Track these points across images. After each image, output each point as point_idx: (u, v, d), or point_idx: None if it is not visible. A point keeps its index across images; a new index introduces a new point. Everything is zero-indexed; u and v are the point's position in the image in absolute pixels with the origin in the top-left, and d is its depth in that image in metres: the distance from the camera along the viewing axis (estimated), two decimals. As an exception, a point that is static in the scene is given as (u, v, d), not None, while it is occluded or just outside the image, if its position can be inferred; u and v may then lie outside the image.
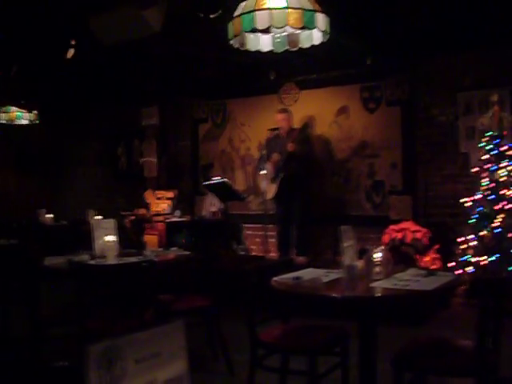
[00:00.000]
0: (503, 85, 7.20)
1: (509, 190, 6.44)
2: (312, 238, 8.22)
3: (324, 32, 3.75)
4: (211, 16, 5.62)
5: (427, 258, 6.94)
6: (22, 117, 8.88)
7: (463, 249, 6.56)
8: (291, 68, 8.40)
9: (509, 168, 6.51)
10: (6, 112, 8.80)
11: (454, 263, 6.58)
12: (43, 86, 9.35)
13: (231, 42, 3.87)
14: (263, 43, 4.00)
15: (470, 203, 6.67)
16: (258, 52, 4.05)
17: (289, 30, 3.82)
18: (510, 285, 3.35)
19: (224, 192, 7.96)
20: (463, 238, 6.62)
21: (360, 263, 3.34)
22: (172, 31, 6.32)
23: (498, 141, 6.61)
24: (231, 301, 4.91)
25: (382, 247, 3.31)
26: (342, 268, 3.22)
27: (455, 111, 7.65)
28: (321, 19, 3.65)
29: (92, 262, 4.34)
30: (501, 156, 6.56)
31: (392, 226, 7.29)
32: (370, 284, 3.10)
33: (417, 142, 7.93)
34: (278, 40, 3.97)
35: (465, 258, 6.49)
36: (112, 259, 4.38)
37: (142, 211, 9.28)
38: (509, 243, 6.25)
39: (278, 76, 8.87)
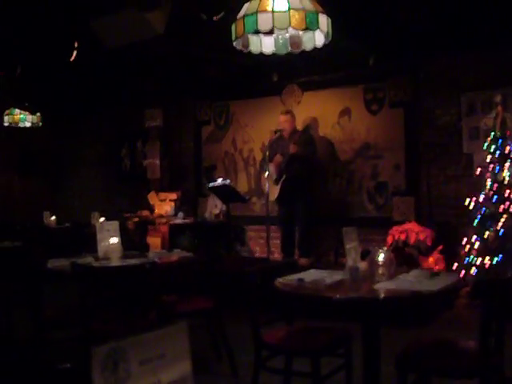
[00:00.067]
0: (506, 85, 7.19)
1: (512, 190, 6.43)
2: (315, 239, 8.21)
3: (326, 34, 3.75)
4: (214, 18, 5.63)
5: (431, 259, 6.94)
6: (25, 119, 8.90)
7: (467, 250, 6.55)
8: (294, 70, 8.41)
9: (512, 169, 6.51)
10: (10, 114, 8.83)
11: (457, 264, 6.58)
12: (47, 88, 9.37)
13: (234, 43, 3.88)
14: (266, 45, 4.00)
15: (474, 204, 6.67)
16: (261, 54, 4.06)
17: (291, 31, 3.83)
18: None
19: (227, 193, 7.97)
20: (467, 239, 6.62)
21: (363, 264, 3.34)
22: (175, 33, 6.33)
23: (501, 141, 6.60)
24: (234, 302, 4.91)
25: (385, 248, 3.30)
26: (346, 269, 3.22)
27: (458, 112, 7.65)
28: (323, 21, 3.66)
29: (96, 264, 4.34)
30: (504, 157, 6.56)
31: (395, 227, 7.29)
32: (373, 285, 3.10)
33: (420, 143, 7.93)
34: (281, 42, 3.98)
35: (468, 259, 6.48)
36: (115, 261, 4.39)
37: (145, 213, 9.30)
38: (512, 244, 6.25)
39: (280, 78, 8.88)
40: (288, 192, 7.80)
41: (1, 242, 6.47)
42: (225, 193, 7.97)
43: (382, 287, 3.06)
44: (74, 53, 6.96)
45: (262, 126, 9.09)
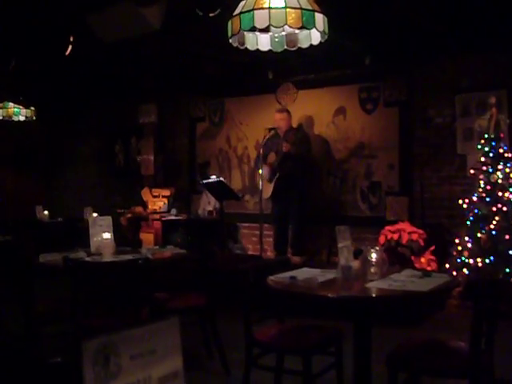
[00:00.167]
0: (501, 87, 7.22)
1: (505, 192, 6.45)
2: (308, 237, 8.22)
3: (322, 32, 3.75)
4: (210, 14, 5.62)
5: (423, 260, 6.95)
6: (19, 113, 8.87)
7: (459, 250, 6.57)
8: (289, 68, 8.41)
9: (506, 170, 6.52)
10: (4, 108, 8.80)
11: (449, 265, 6.60)
12: (41, 82, 9.34)
13: (230, 40, 3.87)
14: (262, 42, 4.00)
15: (467, 205, 6.69)
16: (257, 51, 4.05)
17: (287, 29, 3.82)
18: (505, 287, 3.36)
19: (220, 191, 7.97)
20: (459, 240, 6.63)
21: (356, 263, 3.34)
22: (171, 29, 6.32)
23: (495, 143, 6.62)
24: (227, 300, 4.92)
25: (378, 248, 3.31)
26: (338, 268, 3.23)
27: (453, 113, 7.66)
28: (319, 19, 3.66)
29: (88, 259, 4.34)
30: (498, 158, 6.57)
31: (388, 227, 7.29)
32: (365, 284, 3.11)
33: (414, 144, 7.94)
34: (277, 39, 3.97)
35: (460, 259, 6.50)
36: (108, 257, 4.38)
37: (139, 209, 9.29)
38: (505, 245, 6.27)
39: (276, 76, 8.87)
40: (281, 190, 7.80)
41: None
42: (219, 190, 7.97)
43: (374, 286, 3.07)
44: (70, 47, 6.94)
45: (256, 124, 9.09)
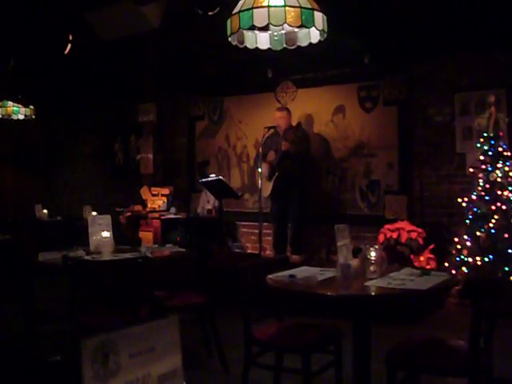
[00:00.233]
0: (500, 86, 7.22)
1: (504, 190, 6.45)
2: (307, 236, 8.22)
3: (322, 31, 3.75)
4: (210, 13, 5.62)
5: (422, 258, 6.95)
6: (18, 111, 8.86)
7: (458, 249, 6.57)
8: (289, 66, 8.41)
9: (505, 169, 6.53)
10: (3, 107, 8.79)
11: (448, 263, 6.60)
12: (40, 81, 9.34)
13: (229, 39, 3.87)
14: (261, 41, 4.00)
15: (466, 203, 6.69)
16: (256, 50, 4.05)
17: (287, 28, 3.82)
18: (504, 285, 3.36)
19: (220, 189, 7.96)
20: (458, 239, 6.64)
21: (355, 262, 3.35)
22: (170, 28, 6.32)
23: (494, 142, 6.62)
24: (226, 298, 4.92)
25: (377, 246, 3.31)
26: (337, 266, 3.23)
27: (452, 112, 7.66)
28: (319, 18, 3.66)
29: (87, 258, 4.34)
30: (497, 157, 6.58)
31: (387, 226, 7.30)
32: (364, 283, 3.11)
33: (413, 142, 7.94)
34: (276, 38, 3.97)
35: (460, 258, 6.50)
36: (107, 255, 4.38)
37: (138, 208, 9.29)
38: (504, 244, 6.27)
39: (275, 74, 8.86)
40: (281, 189, 7.80)
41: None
42: (218, 188, 7.97)
43: (373, 285, 3.07)
44: (69, 46, 6.93)
45: (255, 123, 9.08)
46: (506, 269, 6.17)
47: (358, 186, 8.32)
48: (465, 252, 6.49)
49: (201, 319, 4.70)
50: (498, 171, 6.52)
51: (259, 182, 7.62)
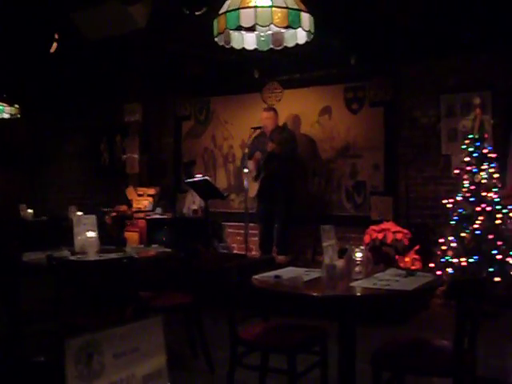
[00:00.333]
0: (485, 88, 7.27)
1: (489, 192, 6.49)
2: (293, 236, 8.22)
3: (308, 32, 3.76)
4: (196, 13, 5.62)
5: (407, 259, 6.98)
6: (3, 111, 8.81)
7: (443, 250, 6.60)
8: (275, 67, 8.41)
9: (489, 170, 6.57)
10: (-12, 106, 8.74)
11: (433, 264, 6.63)
12: (26, 79, 9.28)
13: (216, 39, 3.86)
14: (248, 41, 4.00)
15: (451, 205, 6.72)
16: (243, 50, 4.05)
17: (273, 28, 3.82)
18: (488, 286, 3.38)
19: (206, 190, 7.95)
20: (443, 240, 6.67)
21: (340, 263, 3.35)
22: (157, 27, 6.31)
23: (479, 143, 6.66)
24: (212, 298, 4.91)
25: (363, 247, 3.32)
26: (323, 267, 3.23)
27: (437, 113, 7.70)
28: (305, 19, 3.66)
29: (72, 258, 4.31)
30: (482, 158, 6.62)
31: (373, 227, 7.32)
32: (349, 283, 3.12)
33: (399, 144, 7.98)
34: (263, 39, 3.97)
35: (445, 259, 6.54)
36: (92, 255, 4.36)
37: (123, 208, 9.26)
38: (488, 245, 6.31)
39: (261, 75, 8.87)
40: (267, 189, 7.80)
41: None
42: (204, 189, 7.95)
43: (359, 285, 3.07)
44: (55, 45, 6.90)
45: (242, 123, 9.08)
46: (491, 269, 6.21)
47: (344, 187, 8.35)
48: (450, 253, 6.52)
49: (186, 319, 4.69)
50: (482, 173, 6.56)
51: (245, 182, 7.62)
